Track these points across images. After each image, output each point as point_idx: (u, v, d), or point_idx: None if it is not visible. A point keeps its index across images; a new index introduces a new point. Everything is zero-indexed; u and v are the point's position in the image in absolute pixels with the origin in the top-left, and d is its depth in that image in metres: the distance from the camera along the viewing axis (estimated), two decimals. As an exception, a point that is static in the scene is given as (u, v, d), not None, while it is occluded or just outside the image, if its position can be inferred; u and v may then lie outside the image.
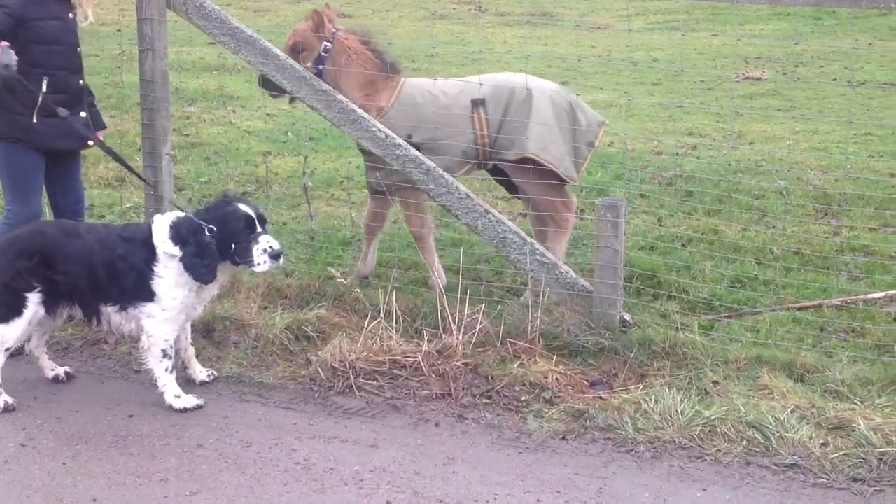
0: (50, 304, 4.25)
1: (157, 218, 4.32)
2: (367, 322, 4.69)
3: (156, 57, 5.04)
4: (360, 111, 5.07)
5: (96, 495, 3.58)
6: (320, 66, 5.28)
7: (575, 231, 6.49)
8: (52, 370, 4.50)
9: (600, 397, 4.30)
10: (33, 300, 4.19)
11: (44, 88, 4.57)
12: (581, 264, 5.66)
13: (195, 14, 5.01)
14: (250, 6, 17.87)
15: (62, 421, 4.13)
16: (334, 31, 5.35)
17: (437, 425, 4.16)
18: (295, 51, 5.31)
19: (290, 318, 4.84)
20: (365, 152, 5.31)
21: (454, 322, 4.67)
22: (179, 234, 4.18)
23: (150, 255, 4.18)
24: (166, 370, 4.23)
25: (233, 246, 4.16)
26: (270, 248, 4.15)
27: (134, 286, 4.20)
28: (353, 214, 6.92)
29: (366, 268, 5.63)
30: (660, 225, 6.47)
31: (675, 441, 3.95)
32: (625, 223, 4.79)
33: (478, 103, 5.21)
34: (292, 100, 5.42)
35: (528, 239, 4.93)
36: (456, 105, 5.24)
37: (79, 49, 4.80)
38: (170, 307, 4.19)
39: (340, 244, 6.19)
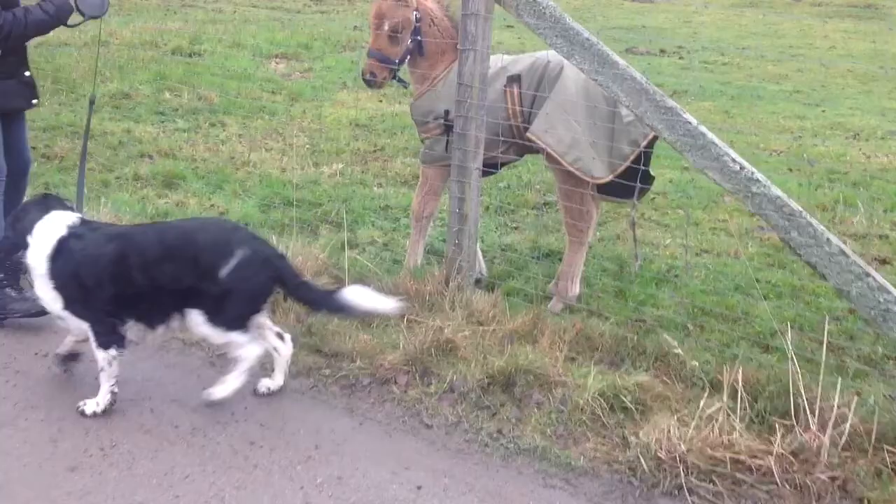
0: None
1: None
2: (701, 400, 3.81)
3: (477, 58, 4.37)
4: (709, 135, 4.16)
5: None
6: (418, 37, 4.83)
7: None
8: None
9: None
10: None
11: None
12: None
13: (526, 11, 4.27)
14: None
15: (343, 483, 3.56)
16: None
17: (797, 560, 3.22)
18: (395, 31, 4.83)
19: (603, 382, 4.03)
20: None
21: (812, 413, 3.70)
22: None
23: None
24: None
25: None
26: None
27: None
28: (667, 241, 6.04)
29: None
30: None
31: None
32: None
33: (513, 80, 4.68)
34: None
35: (920, 315, 3.83)
36: (497, 81, 4.71)
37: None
38: None
39: (654, 278, 5.31)
